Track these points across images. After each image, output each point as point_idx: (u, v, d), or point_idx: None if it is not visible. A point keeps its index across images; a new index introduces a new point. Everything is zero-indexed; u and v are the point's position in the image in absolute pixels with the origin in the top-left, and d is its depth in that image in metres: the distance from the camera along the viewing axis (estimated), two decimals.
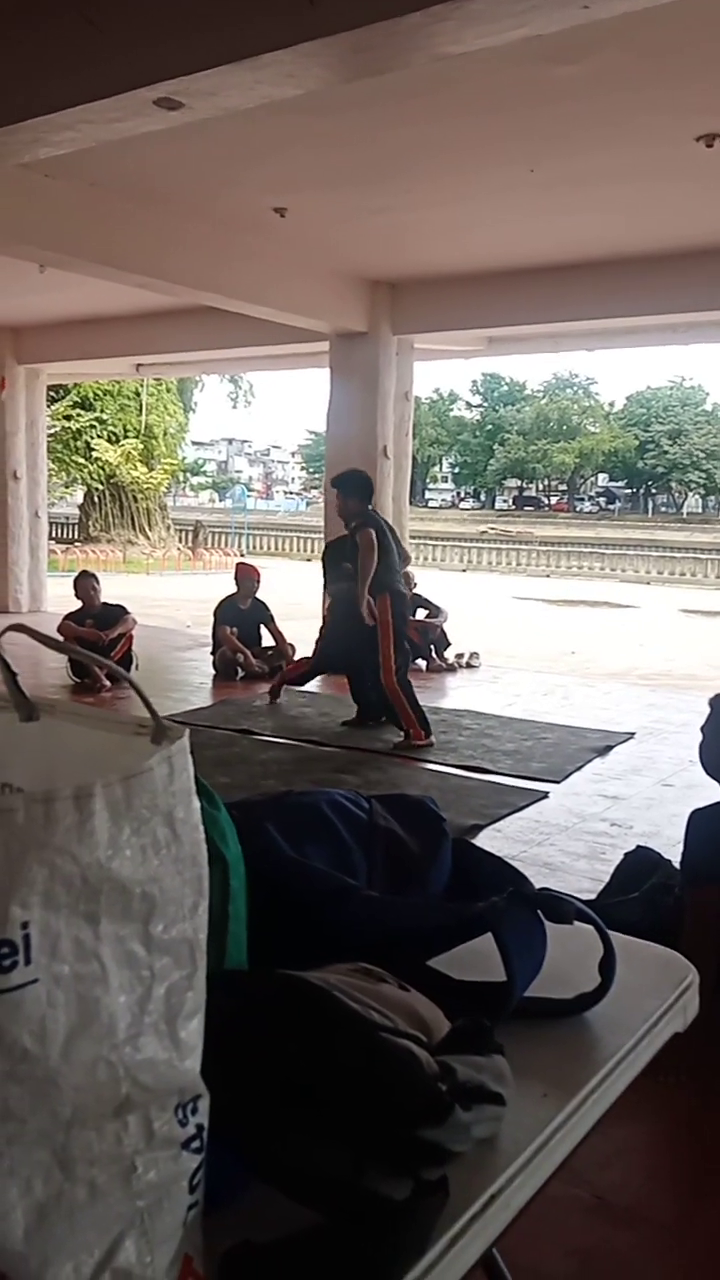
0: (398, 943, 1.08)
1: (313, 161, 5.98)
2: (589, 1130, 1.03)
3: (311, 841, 1.20)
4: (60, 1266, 0.65)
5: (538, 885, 3.27)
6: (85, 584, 8.07)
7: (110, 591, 8.50)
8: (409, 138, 5.54)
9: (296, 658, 7.46)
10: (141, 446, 25.54)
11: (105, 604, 8.09)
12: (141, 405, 25.75)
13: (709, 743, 2.77)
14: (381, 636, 5.93)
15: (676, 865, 2.89)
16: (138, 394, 25.65)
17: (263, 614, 8.44)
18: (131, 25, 3.63)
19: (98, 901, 0.68)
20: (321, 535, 10.55)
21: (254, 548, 27.50)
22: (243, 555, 22.14)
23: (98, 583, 8.14)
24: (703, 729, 2.80)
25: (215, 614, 8.46)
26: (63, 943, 0.66)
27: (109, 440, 25.12)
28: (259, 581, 8.55)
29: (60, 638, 0.94)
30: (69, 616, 8.04)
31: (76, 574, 8.49)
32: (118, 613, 8.02)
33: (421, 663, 8.74)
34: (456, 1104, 0.88)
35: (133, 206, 6.85)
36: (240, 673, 8.00)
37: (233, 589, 8.53)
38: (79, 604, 8.08)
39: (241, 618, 8.36)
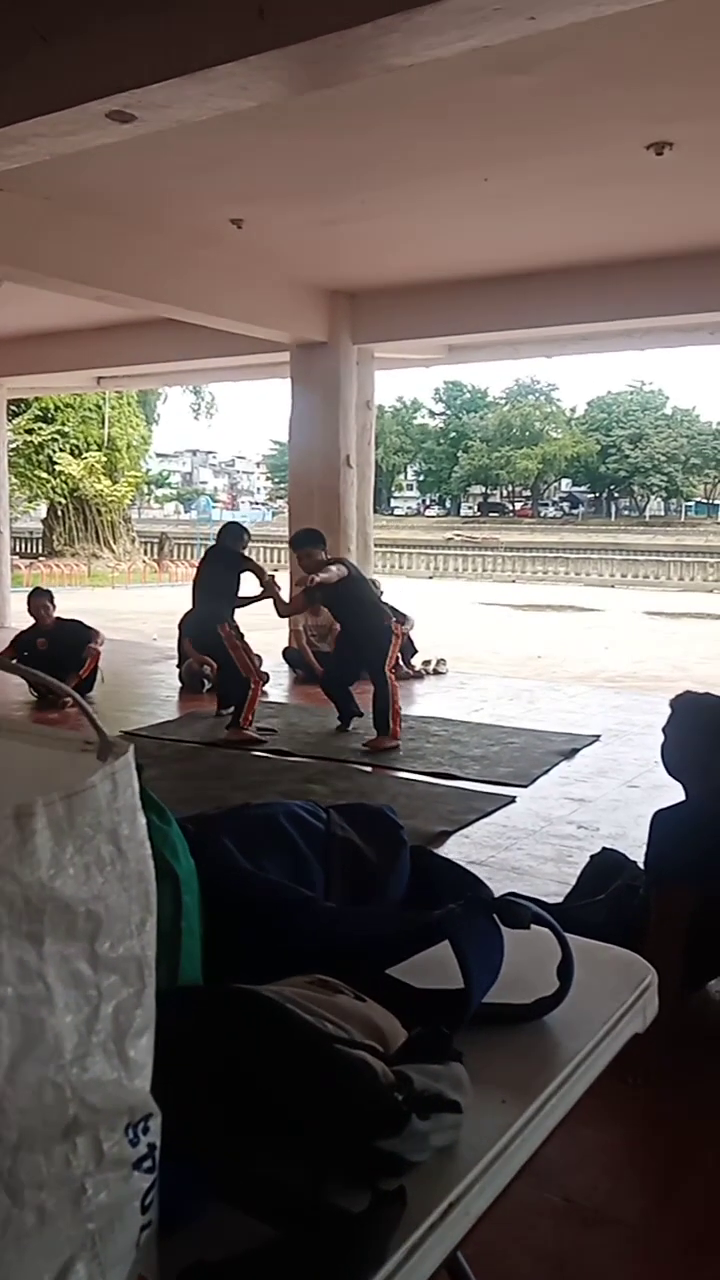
0: (355, 953, 1.08)
1: (268, 173, 5.99)
2: (548, 1135, 1.04)
3: (268, 854, 1.20)
4: None
5: (505, 890, 3.29)
6: (38, 602, 8.00)
7: (75, 606, 8.46)
8: (364, 148, 5.57)
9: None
10: (105, 459, 25.43)
11: (60, 620, 8.01)
12: (104, 418, 25.64)
13: (670, 744, 2.80)
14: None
15: (641, 866, 2.91)
16: (99, 407, 25.54)
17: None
18: (83, 38, 3.62)
19: (41, 921, 0.67)
20: (286, 545, 10.55)
21: None
22: None
23: (51, 600, 8.07)
24: (664, 730, 2.82)
25: (180, 627, 8.42)
26: (5, 964, 0.65)
27: (72, 454, 24.99)
28: None
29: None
30: (19, 635, 7.97)
31: (30, 591, 8.42)
32: (76, 629, 7.92)
33: None
34: (413, 1113, 0.88)
35: (89, 219, 6.82)
36: (206, 685, 7.96)
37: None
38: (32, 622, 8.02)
39: None
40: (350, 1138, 0.86)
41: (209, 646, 7.00)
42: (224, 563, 6.86)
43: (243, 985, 0.91)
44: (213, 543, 7.57)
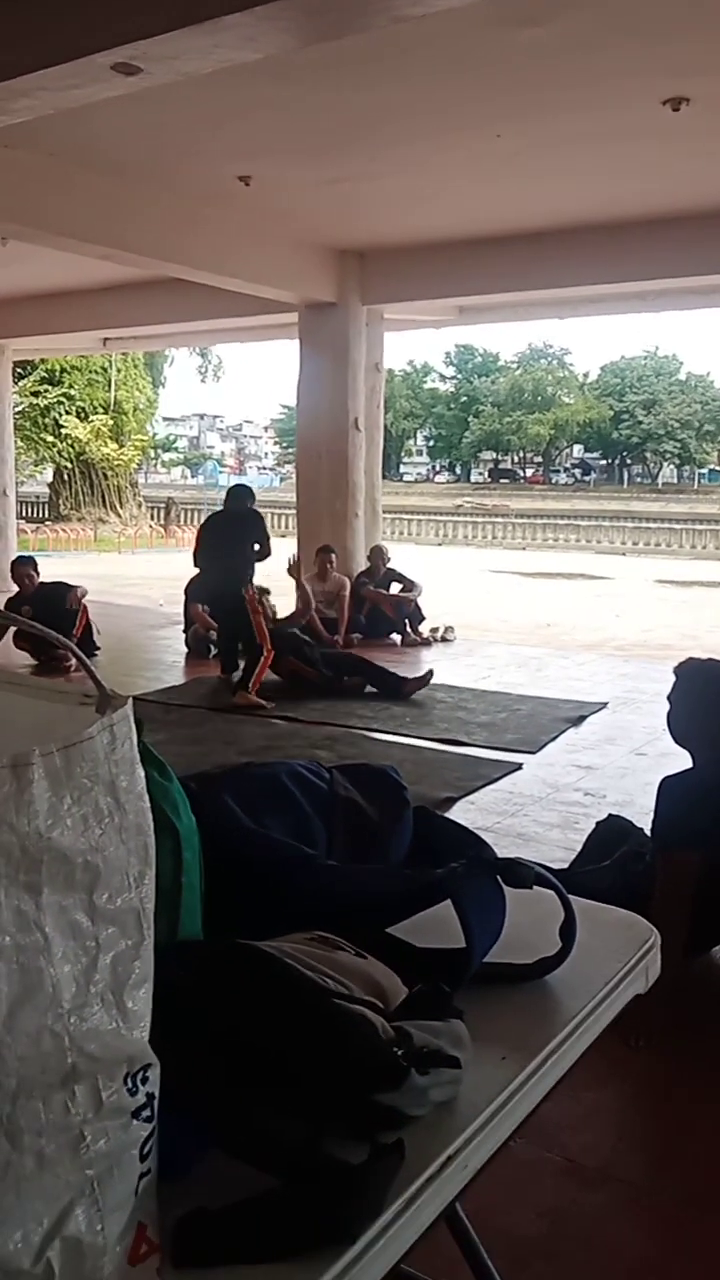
0: (356, 910, 1.08)
1: (276, 129, 5.89)
2: (548, 1092, 1.04)
3: (271, 812, 1.19)
4: (8, 1235, 0.65)
5: (511, 855, 3.30)
6: (21, 570, 7.99)
7: (82, 571, 8.45)
8: (373, 104, 5.48)
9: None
10: (111, 423, 25.30)
11: (43, 584, 8.00)
12: (110, 381, 25.48)
13: (676, 711, 2.79)
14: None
15: (648, 833, 2.91)
16: (105, 370, 25.38)
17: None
18: None
19: (39, 871, 0.67)
20: (294, 510, 10.52)
21: None
22: None
23: (35, 568, 8.05)
24: (669, 698, 2.81)
25: (186, 592, 8.41)
26: (3, 913, 0.65)
27: (78, 417, 24.87)
28: None
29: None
30: (4, 605, 7.95)
31: (13, 559, 8.41)
32: (56, 590, 7.92)
33: (396, 637, 8.75)
34: (412, 1068, 0.88)
35: (94, 176, 6.74)
36: (213, 650, 7.97)
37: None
38: (15, 589, 8.00)
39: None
40: (349, 1091, 0.86)
41: (230, 610, 6.88)
42: (242, 526, 6.82)
43: (243, 940, 0.91)
44: (220, 507, 7.54)
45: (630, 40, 4.66)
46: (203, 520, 8.17)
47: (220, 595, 7.00)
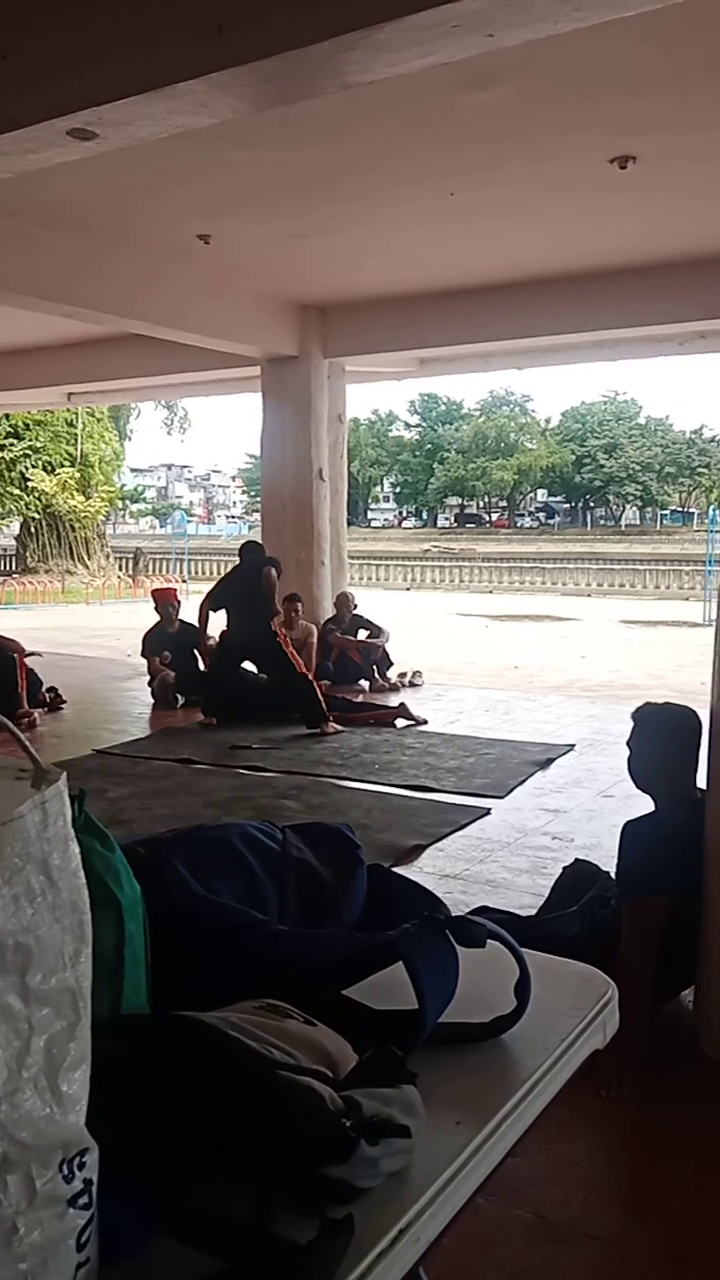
0: (307, 976, 1.07)
1: (235, 188, 6.00)
2: (505, 1154, 1.03)
3: (221, 876, 1.18)
4: None
5: (479, 903, 3.27)
6: None
7: (49, 623, 8.37)
8: (329, 163, 5.60)
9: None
10: (78, 475, 25.33)
11: None
12: (77, 434, 25.56)
13: (637, 755, 2.80)
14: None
15: (614, 877, 2.91)
16: (70, 423, 25.46)
17: (193, 636, 8.32)
18: (43, 56, 3.62)
19: None
20: None
21: (196, 573, 27.33)
22: (184, 581, 22.00)
23: None
24: (629, 743, 2.82)
25: (144, 642, 8.39)
26: None
27: (44, 470, 24.87)
28: (178, 604, 8.52)
29: None
30: None
31: None
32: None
33: (364, 683, 8.75)
34: (362, 1139, 0.87)
35: (55, 235, 6.81)
36: (180, 700, 7.93)
37: (157, 618, 8.47)
38: None
39: (172, 642, 8.27)
40: (297, 1165, 0.85)
41: (266, 654, 7.36)
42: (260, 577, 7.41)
43: (186, 1013, 0.90)
44: (238, 559, 7.98)
45: (576, 101, 4.81)
46: (222, 576, 8.53)
47: (254, 644, 7.37)
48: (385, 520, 67.82)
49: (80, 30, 3.51)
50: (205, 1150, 0.84)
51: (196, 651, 8.26)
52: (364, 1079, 0.95)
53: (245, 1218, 0.81)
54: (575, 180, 5.86)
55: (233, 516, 71.94)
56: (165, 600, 8.50)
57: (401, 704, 7.42)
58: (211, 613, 7.79)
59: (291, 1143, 0.84)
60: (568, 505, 66.23)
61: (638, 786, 2.86)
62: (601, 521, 62.84)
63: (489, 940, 1.18)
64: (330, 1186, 0.85)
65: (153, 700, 8.10)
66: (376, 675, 8.81)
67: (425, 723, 7.15)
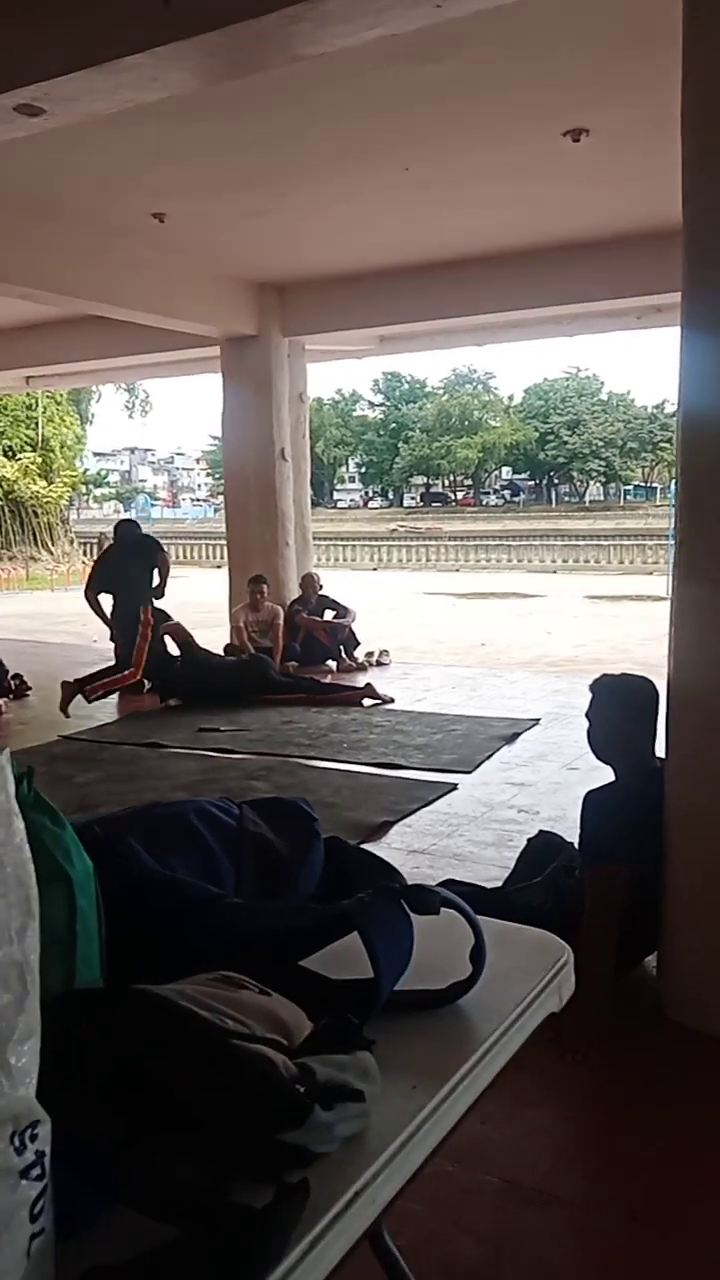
0: (263, 948, 1.08)
1: (189, 166, 5.93)
2: (460, 1118, 1.04)
3: (177, 852, 1.19)
4: None
5: (446, 876, 3.30)
6: None
7: (12, 610, 8.28)
8: (284, 140, 5.54)
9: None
10: (39, 460, 25.03)
11: None
12: (37, 419, 25.24)
13: (595, 727, 2.84)
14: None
15: (577, 847, 2.95)
16: (30, 407, 25.14)
17: (162, 620, 8.28)
18: None
19: None
20: (224, 542, 10.50)
21: None
22: None
23: None
24: (587, 714, 2.85)
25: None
26: None
27: (5, 455, 24.56)
28: None
29: None
30: None
31: None
32: None
33: (332, 663, 8.76)
34: (316, 1104, 0.88)
35: (7, 215, 6.69)
36: (147, 685, 7.89)
37: None
38: None
39: None
40: (252, 1132, 0.86)
41: (125, 629, 7.66)
42: (139, 554, 7.71)
43: (139, 985, 0.90)
44: (113, 540, 8.25)
45: (530, 75, 4.79)
46: (98, 559, 8.81)
47: (120, 616, 7.72)
48: (351, 500, 67.69)
49: (26, 4, 3.45)
50: (161, 1120, 0.84)
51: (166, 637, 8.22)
52: (320, 1047, 0.96)
53: (201, 1185, 0.82)
54: (529, 154, 5.84)
55: (198, 499, 71.44)
56: None
57: (368, 684, 7.44)
58: (100, 598, 7.89)
59: (246, 1110, 0.85)
60: (532, 482, 66.41)
61: (597, 757, 2.89)
62: (566, 498, 63.09)
63: (445, 908, 1.19)
64: (286, 1152, 0.86)
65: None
66: (344, 655, 8.82)
67: (392, 701, 7.17)
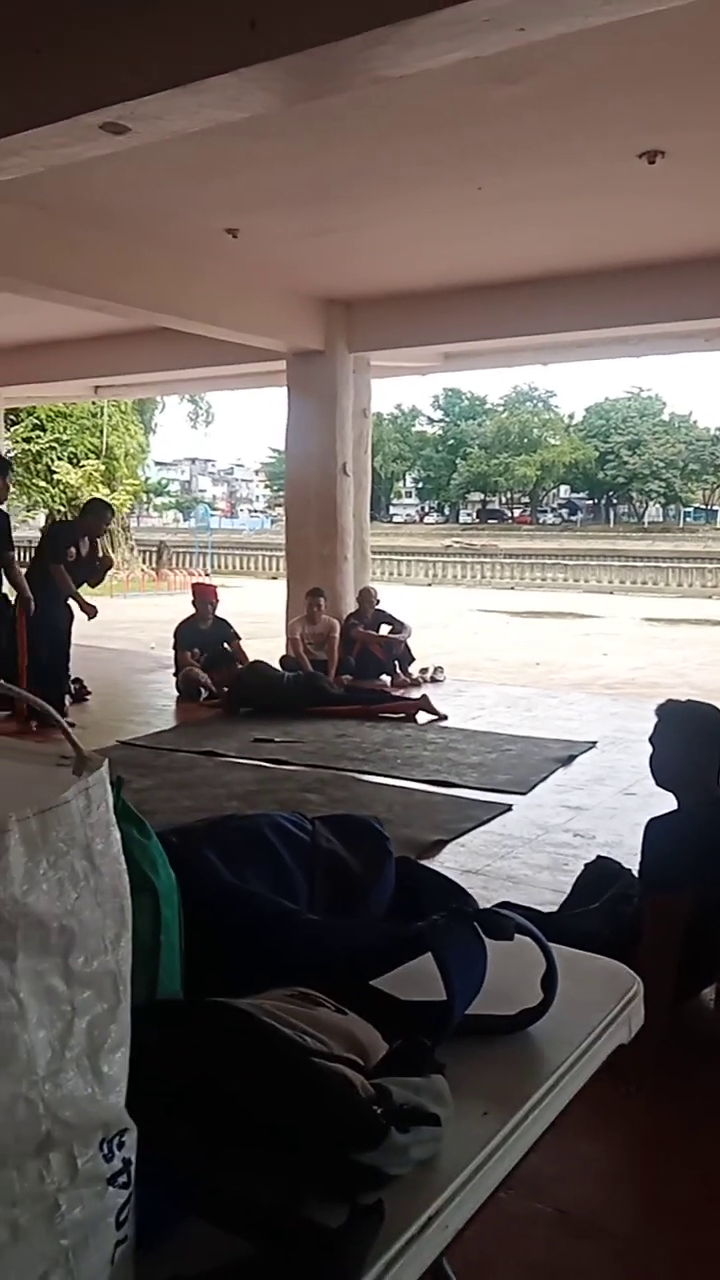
0: (338, 965, 1.08)
1: (262, 183, 6.01)
2: (532, 1146, 1.04)
3: (252, 865, 1.20)
4: None
5: (500, 899, 3.29)
6: None
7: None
8: (357, 158, 5.59)
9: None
10: (103, 468, 25.42)
11: None
12: (102, 427, 25.66)
13: (659, 753, 2.80)
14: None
15: (636, 874, 2.91)
16: (95, 415, 25.56)
17: (226, 633, 8.42)
18: (76, 50, 3.64)
19: (13, 937, 0.67)
20: (282, 553, 10.57)
21: (219, 567, 27.43)
22: (207, 575, 22.07)
23: None
24: (651, 740, 2.82)
25: (176, 636, 8.43)
26: None
27: (70, 462, 24.98)
28: (216, 601, 8.54)
29: None
30: None
31: None
32: None
33: (386, 678, 8.76)
34: (392, 1126, 0.88)
35: (85, 229, 6.84)
36: (204, 694, 7.97)
37: (192, 611, 8.51)
38: None
39: (204, 638, 8.33)
40: (328, 1151, 0.86)
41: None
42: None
43: (221, 999, 0.91)
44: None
45: (606, 96, 4.78)
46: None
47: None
48: (407, 515, 67.75)
49: (113, 24, 3.53)
50: (238, 1135, 0.85)
51: (227, 647, 8.32)
52: (394, 1068, 0.96)
53: (277, 1202, 0.83)
54: (603, 175, 5.82)
55: (255, 510, 72.03)
56: (204, 596, 8.53)
57: (424, 695, 7.45)
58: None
59: (323, 1129, 0.85)
60: (590, 502, 65.92)
61: (659, 784, 2.85)
62: (624, 518, 62.53)
63: (515, 934, 1.19)
64: (361, 1173, 0.86)
65: (177, 693, 8.14)
66: (398, 670, 8.82)
67: (446, 718, 7.15)
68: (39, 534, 6.97)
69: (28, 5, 3.69)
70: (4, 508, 6.63)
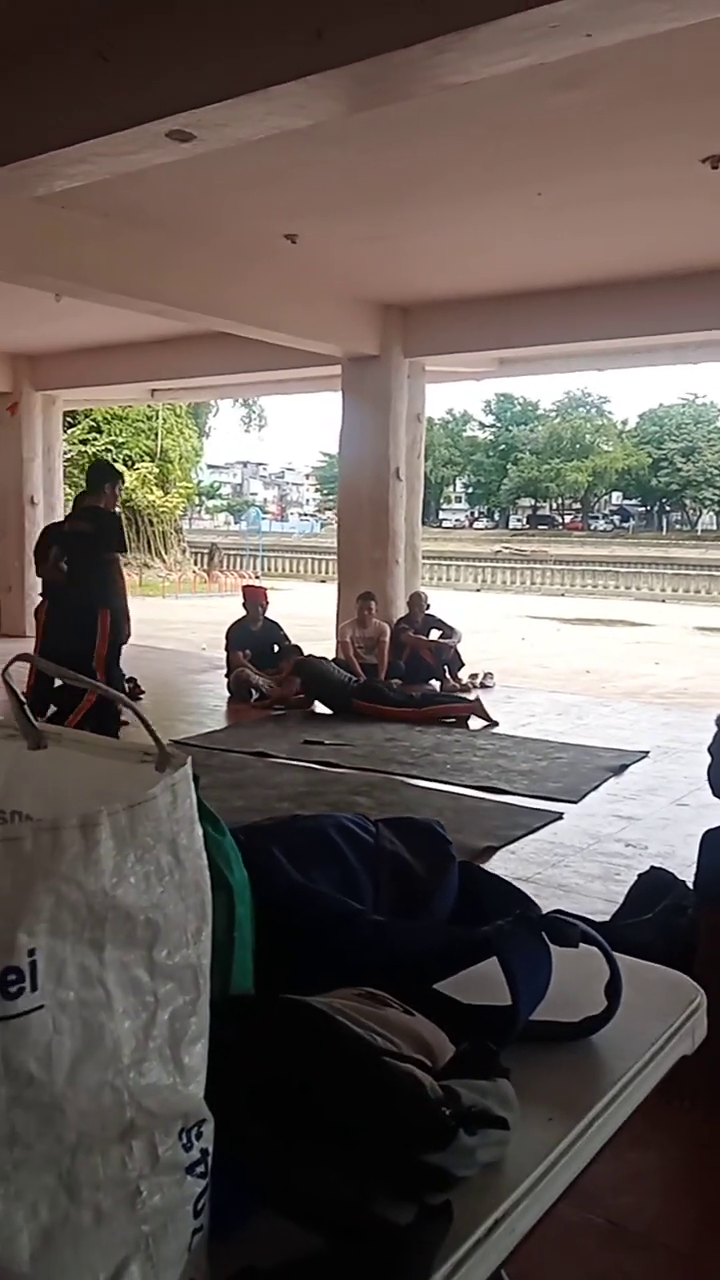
0: (403, 967, 1.09)
1: (322, 188, 6.05)
2: (595, 1154, 1.03)
3: (318, 865, 1.21)
4: None
5: (551, 907, 3.26)
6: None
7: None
8: (416, 163, 5.61)
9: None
10: (157, 470, 25.71)
11: None
12: (156, 430, 25.95)
13: (717, 764, 2.77)
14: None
15: (690, 886, 2.88)
16: (150, 419, 25.86)
17: (275, 634, 8.48)
18: (144, 59, 3.70)
19: (102, 928, 0.69)
20: (334, 556, 10.61)
21: (269, 569, 27.60)
22: (257, 577, 22.21)
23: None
24: (710, 750, 2.79)
25: (227, 637, 8.50)
26: (68, 969, 0.67)
27: (124, 465, 25.30)
28: (267, 603, 8.61)
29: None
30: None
31: None
32: None
33: (435, 683, 8.75)
34: (460, 1128, 0.88)
35: (145, 235, 6.94)
36: (255, 695, 8.03)
37: (242, 613, 8.59)
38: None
39: (254, 640, 8.40)
40: (397, 1151, 0.87)
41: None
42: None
43: (293, 996, 0.92)
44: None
45: (669, 100, 4.74)
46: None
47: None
48: (456, 520, 67.57)
49: (181, 33, 3.59)
50: (308, 1130, 0.86)
51: (277, 649, 8.39)
52: (460, 1071, 0.97)
53: (347, 1198, 0.84)
54: (665, 180, 5.78)
55: (305, 514, 72.36)
56: (255, 599, 8.62)
57: (477, 698, 7.46)
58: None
59: (393, 1128, 0.86)
60: (643, 509, 65.24)
61: (716, 794, 2.82)
62: (677, 526, 61.75)
63: (580, 942, 1.19)
64: (429, 1173, 0.87)
65: (228, 693, 8.21)
66: (448, 675, 8.81)
67: (497, 724, 7.13)
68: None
69: (97, 13, 3.75)
70: (117, 510, 6.60)
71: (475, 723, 7.17)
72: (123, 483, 6.86)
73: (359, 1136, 0.86)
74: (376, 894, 1.23)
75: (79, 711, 5.92)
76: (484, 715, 7.23)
